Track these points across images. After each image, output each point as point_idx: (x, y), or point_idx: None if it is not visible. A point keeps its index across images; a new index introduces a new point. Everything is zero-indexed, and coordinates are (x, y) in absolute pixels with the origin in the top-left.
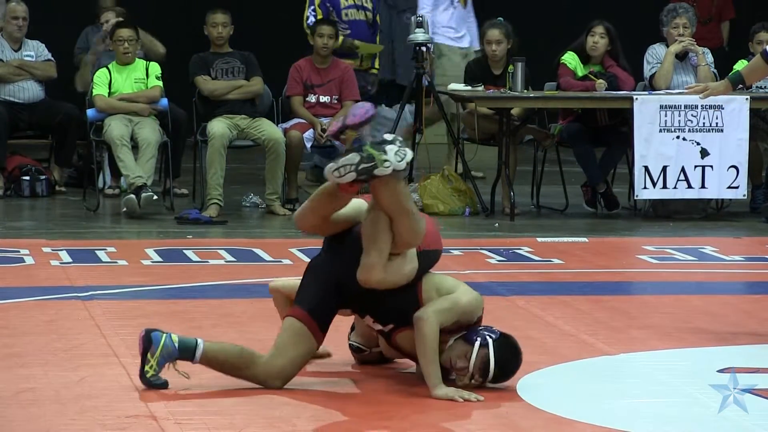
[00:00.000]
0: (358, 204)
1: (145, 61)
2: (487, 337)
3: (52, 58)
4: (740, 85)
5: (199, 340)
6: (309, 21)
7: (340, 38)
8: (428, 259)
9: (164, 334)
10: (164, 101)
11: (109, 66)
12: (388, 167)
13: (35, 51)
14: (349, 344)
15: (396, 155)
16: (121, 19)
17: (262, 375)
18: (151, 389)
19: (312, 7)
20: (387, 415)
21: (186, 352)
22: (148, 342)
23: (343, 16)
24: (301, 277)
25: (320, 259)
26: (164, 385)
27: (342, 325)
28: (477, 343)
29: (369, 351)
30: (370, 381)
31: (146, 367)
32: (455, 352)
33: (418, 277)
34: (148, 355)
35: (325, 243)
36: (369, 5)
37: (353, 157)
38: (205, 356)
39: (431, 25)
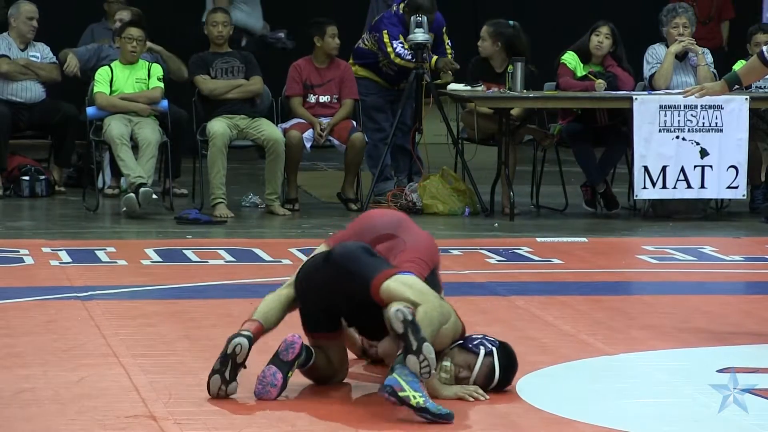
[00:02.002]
0: None
1: (147, 62)
2: (490, 346)
3: (57, 61)
4: (737, 86)
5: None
6: (400, 52)
7: (434, 58)
8: (434, 279)
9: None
10: (164, 103)
11: (112, 64)
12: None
13: (41, 53)
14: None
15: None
16: (134, 18)
17: None
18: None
19: (399, 41)
20: (387, 416)
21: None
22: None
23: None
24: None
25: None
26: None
27: None
28: (481, 353)
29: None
30: (371, 381)
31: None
32: (456, 361)
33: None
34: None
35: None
36: None
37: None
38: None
39: None
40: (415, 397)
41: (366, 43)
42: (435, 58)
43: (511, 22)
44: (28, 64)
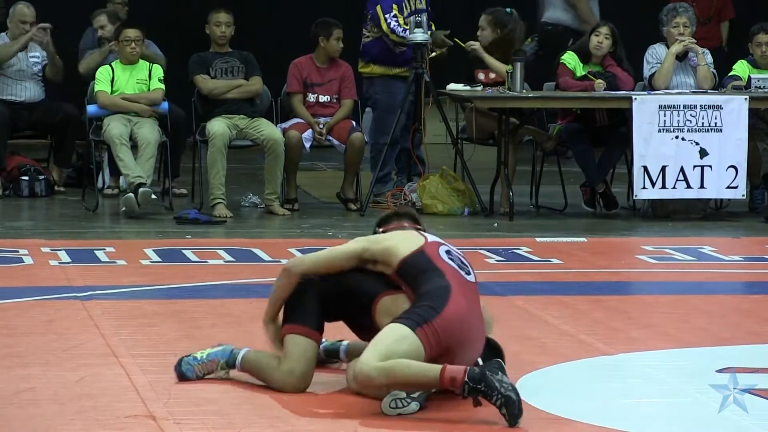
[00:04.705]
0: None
1: (148, 63)
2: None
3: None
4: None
5: (242, 350)
6: (394, 28)
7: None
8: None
9: (221, 347)
10: (165, 105)
11: (112, 64)
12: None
13: (41, 55)
14: None
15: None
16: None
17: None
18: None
19: (392, 14)
20: (387, 415)
21: (230, 363)
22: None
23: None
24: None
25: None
26: (187, 378)
27: (343, 328)
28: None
29: None
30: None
31: (191, 356)
32: None
33: (374, 294)
34: (200, 351)
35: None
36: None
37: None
38: (244, 365)
39: None
40: None
41: (368, 32)
42: (432, 31)
43: (508, 10)
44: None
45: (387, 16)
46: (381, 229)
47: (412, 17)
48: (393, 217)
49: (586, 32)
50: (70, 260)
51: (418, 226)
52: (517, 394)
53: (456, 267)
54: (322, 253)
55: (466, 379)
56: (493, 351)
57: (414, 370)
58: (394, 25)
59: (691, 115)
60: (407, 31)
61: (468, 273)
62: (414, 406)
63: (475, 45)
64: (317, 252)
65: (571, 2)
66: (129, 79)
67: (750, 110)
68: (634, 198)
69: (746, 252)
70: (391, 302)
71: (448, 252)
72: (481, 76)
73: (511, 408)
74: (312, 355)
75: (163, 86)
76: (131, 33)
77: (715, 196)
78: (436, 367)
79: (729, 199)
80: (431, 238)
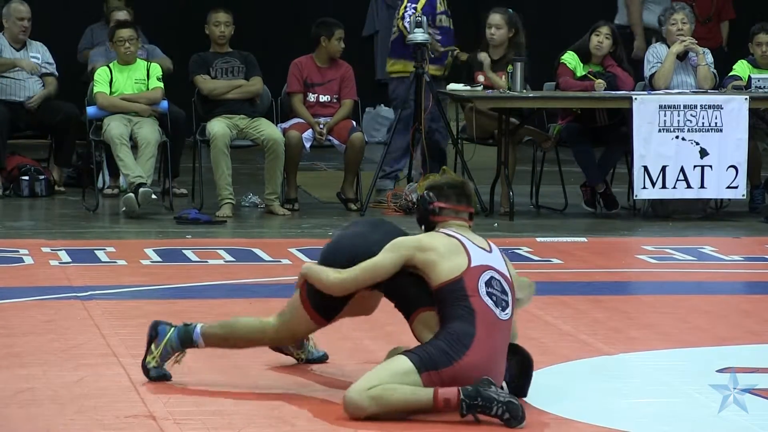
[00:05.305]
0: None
1: (146, 62)
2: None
3: (56, 72)
4: (736, 81)
5: (197, 324)
6: (405, 21)
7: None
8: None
9: (172, 328)
10: (164, 103)
11: (110, 65)
12: None
13: (41, 54)
14: None
15: None
16: (124, 19)
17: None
18: (152, 381)
19: (414, 6)
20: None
21: (187, 341)
22: (153, 333)
23: (437, 22)
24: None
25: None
26: (165, 377)
27: (342, 328)
28: None
29: None
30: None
31: (148, 358)
32: None
33: (415, 307)
34: (152, 346)
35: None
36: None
37: None
38: (205, 336)
39: None
40: None
41: (395, 27)
42: (455, 54)
43: (510, 10)
44: (33, 69)
45: (409, 7)
46: (435, 201)
47: (412, 17)
48: (453, 194)
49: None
50: (70, 260)
51: (469, 222)
52: (518, 399)
53: (491, 305)
54: (365, 269)
55: (462, 397)
56: (519, 365)
57: (405, 394)
58: (406, 16)
59: (691, 115)
60: (410, 26)
61: (505, 307)
62: None
63: (485, 60)
64: (358, 266)
65: (626, 3)
66: (127, 79)
67: (750, 110)
68: (635, 198)
69: (746, 252)
70: (431, 317)
71: (489, 282)
72: (481, 78)
73: (515, 411)
74: (301, 335)
75: (161, 85)
76: (124, 33)
77: (715, 196)
78: (428, 391)
79: (729, 199)
80: (476, 256)
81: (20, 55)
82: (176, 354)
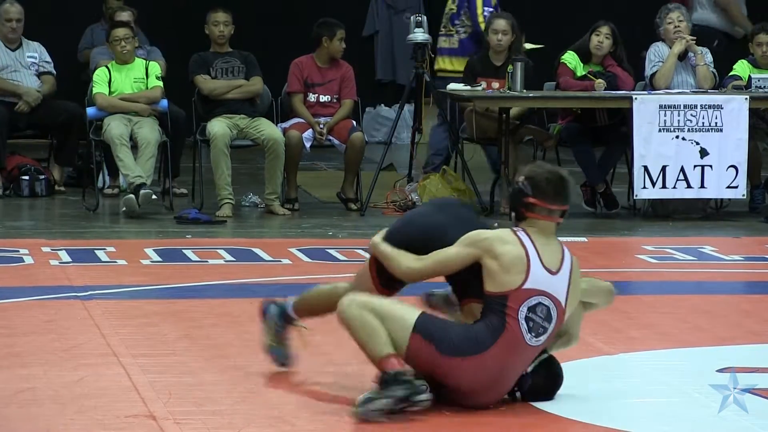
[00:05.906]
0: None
1: (144, 61)
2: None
3: (53, 71)
4: (736, 81)
5: (288, 300)
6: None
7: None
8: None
9: (274, 306)
10: (164, 102)
11: (109, 65)
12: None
13: (39, 54)
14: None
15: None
16: (124, 19)
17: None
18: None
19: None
20: (387, 416)
21: (286, 316)
22: (263, 314)
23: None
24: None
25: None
26: (284, 356)
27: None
28: None
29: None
30: (371, 381)
31: (267, 339)
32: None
33: (464, 296)
34: (264, 326)
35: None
36: None
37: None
38: (295, 309)
39: None
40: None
41: (462, 29)
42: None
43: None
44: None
45: (486, 9)
46: (530, 196)
47: (412, 17)
48: (551, 190)
49: (739, 35)
50: (70, 260)
51: (560, 219)
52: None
53: (524, 329)
54: (438, 262)
55: (389, 374)
56: (545, 379)
57: (376, 330)
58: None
59: (691, 114)
60: (411, 26)
61: (540, 334)
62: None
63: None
64: (431, 259)
65: (722, 5)
66: (125, 78)
67: (750, 110)
68: (635, 198)
69: (746, 252)
70: (478, 310)
71: (533, 307)
72: (483, 84)
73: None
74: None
75: (161, 83)
76: (120, 32)
77: (716, 196)
78: (389, 348)
79: (729, 199)
80: (534, 278)
81: (15, 54)
82: (289, 329)
